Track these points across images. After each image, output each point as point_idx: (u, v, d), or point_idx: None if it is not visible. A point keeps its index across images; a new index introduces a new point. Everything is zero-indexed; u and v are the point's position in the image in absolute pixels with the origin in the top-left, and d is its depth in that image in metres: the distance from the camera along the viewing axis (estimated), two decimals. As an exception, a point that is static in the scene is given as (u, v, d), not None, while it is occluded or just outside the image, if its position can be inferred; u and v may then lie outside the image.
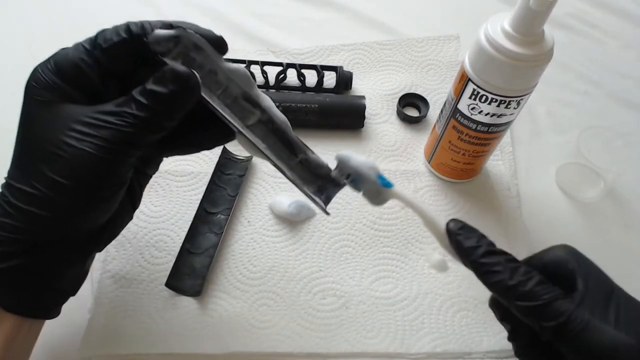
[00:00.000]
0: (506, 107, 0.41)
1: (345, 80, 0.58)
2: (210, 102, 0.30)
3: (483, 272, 0.28)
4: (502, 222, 0.50)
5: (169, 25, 0.30)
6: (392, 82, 0.60)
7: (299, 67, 0.57)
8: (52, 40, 0.62)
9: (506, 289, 0.27)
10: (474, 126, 0.44)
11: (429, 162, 0.52)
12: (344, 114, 0.55)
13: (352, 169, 0.32)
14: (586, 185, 0.53)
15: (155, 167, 0.37)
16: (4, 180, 0.30)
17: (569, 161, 0.54)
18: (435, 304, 0.44)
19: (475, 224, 0.46)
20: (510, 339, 0.31)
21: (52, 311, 0.32)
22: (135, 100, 0.28)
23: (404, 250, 0.47)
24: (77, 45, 0.30)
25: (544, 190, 0.53)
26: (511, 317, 0.29)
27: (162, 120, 0.29)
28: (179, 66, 0.28)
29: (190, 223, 0.46)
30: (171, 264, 0.44)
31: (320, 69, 0.57)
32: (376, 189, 0.32)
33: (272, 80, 0.57)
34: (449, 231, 0.30)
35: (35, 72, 0.29)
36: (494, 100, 0.41)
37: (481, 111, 0.43)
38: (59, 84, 0.29)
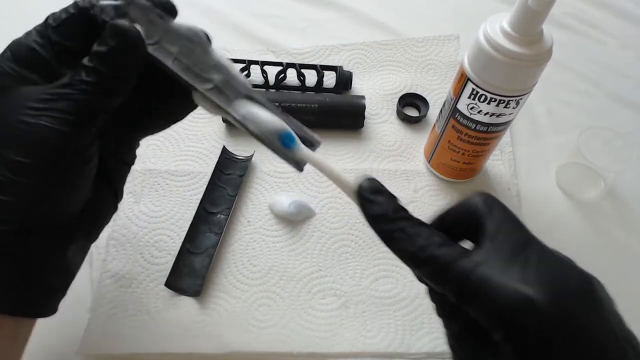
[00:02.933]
0: (505, 107, 0.41)
1: (345, 80, 0.58)
2: (166, 64, 0.29)
3: (387, 240, 0.26)
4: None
5: None
6: (392, 82, 0.60)
7: (298, 67, 0.57)
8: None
9: (409, 256, 0.25)
10: (473, 126, 0.44)
11: (428, 162, 0.52)
12: (343, 113, 0.55)
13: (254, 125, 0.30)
14: (586, 185, 0.53)
15: (131, 154, 0.36)
16: None
17: (569, 161, 0.54)
18: (435, 304, 0.44)
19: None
20: (444, 326, 0.29)
21: (38, 309, 0.31)
22: (83, 67, 0.28)
23: (404, 250, 0.47)
24: (29, 31, 0.30)
25: (544, 190, 0.53)
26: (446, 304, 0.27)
27: (113, 82, 0.28)
28: (118, 21, 0.28)
29: (190, 223, 0.46)
30: (171, 264, 0.44)
31: (320, 69, 0.57)
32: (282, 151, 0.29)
33: (272, 80, 0.57)
34: (358, 194, 0.27)
35: None
36: (493, 99, 0.41)
37: (480, 111, 0.43)
38: (15, 68, 0.28)
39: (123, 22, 0.28)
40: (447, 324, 0.28)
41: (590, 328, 0.22)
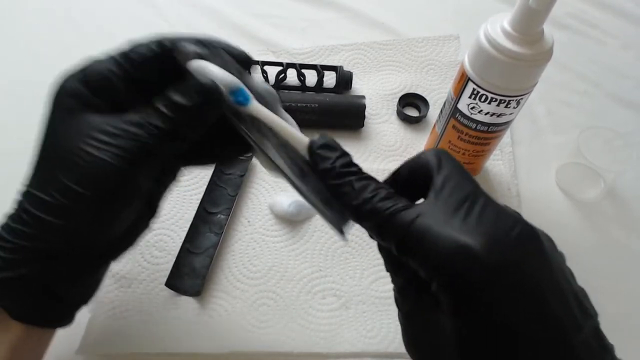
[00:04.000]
0: (506, 107, 0.41)
1: (345, 80, 0.58)
2: (232, 118, 0.29)
3: (335, 195, 0.26)
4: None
5: (199, 41, 0.30)
6: (392, 82, 0.60)
7: (299, 67, 0.57)
8: (53, 40, 0.62)
9: (353, 209, 0.25)
10: (474, 126, 0.44)
11: (429, 162, 0.52)
12: (344, 113, 0.55)
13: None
14: (586, 185, 0.53)
15: (173, 178, 0.36)
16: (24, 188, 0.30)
17: (569, 161, 0.54)
18: (435, 304, 0.44)
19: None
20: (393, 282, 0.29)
21: (63, 320, 0.32)
22: (157, 111, 0.28)
23: (404, 250, 0.47)
24: (109, 57, 0.30)
25: (544, 190, 0.53)
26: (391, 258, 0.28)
27: (183, 132, 0.29)
28: (203, 78, 0.28)
29: (190, 223, 0.46)
30: (171, 264, 0.44)
31: (320, 69, 0.57)
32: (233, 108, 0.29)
33: (272, 80, 0.57)
34: (310, 150, 0.28)
35: (62, 79, 0.29)
36: (493, 99, 0.41)
37: (481, 110, 0.43)
38: (85, 93, 0.29)
39: (208, 80, 0.28)
40: (393, 279, 0.28)
41: (530, 278, 0.21)
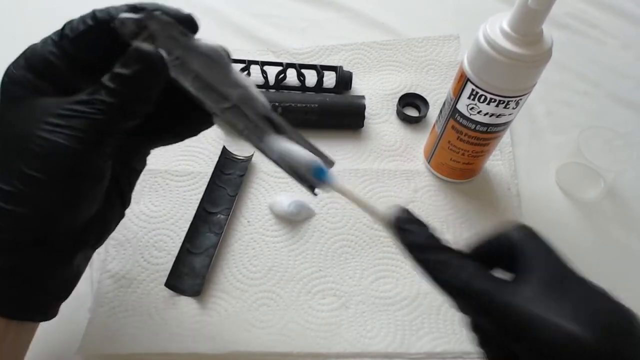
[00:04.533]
0: (505, 107, 0.41)
1: (345, 80, 0.58)
2: (184, 85, 0.29)
3: (429, 271, 0.26)
4: (502, 222, 0.49)
5: (135, 8, 0.29)
6: (392, 82, 0.60)
7: (298, 67, 0.57)
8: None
9: (454, 290, 0.25)
10: (473, 126, 0.44)
11: (428, 162, 0.52)
12: (343, 113, 0.55)
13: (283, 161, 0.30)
14: (586, 185, 0.53)
15: (142, 162, 0.36)
16: None
17: (569, 161, 0.54)
18: (435, 304, 0.44)
19: (475, 224, 0.46)
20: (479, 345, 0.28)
21: (44, 314, 0.31)
22: (104, 86, 0.27)
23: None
24: (46, 39, 0.29)
25: (544, 190, 0.53)
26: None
27: (132, 104, 0.28)
28: (142, 45, 0.28)
29: (190, 223, 0.46)
30: (171, 264, 0.44)
31: (320, 69, 0.57)
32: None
33: (272, 80, 0.57)
34: (394, 224, 0.27)
35: (7, 69, 0.29)
36: (492, 100, 0.41)
37: (480, 111, 0.43)
38: (30, 78, 0.28)
39: (147, 46, 0.28)
40: (489, 354, 0.27)
41: None
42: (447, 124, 0.47)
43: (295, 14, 0.68)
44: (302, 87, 0.57)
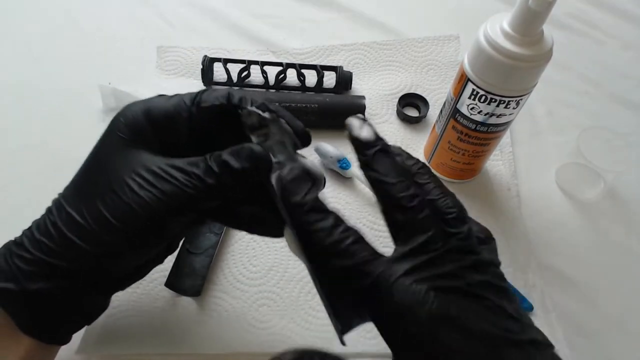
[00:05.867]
0: (505, 107, 0.41)
1: (345, 80, 0.58)
2: (273, 189, 0.29)
3: (303, 231, 0.26)
4: (502, 222, 0.50)
5: (266, 107, 0.30)
6: (392, 82, 0.60)
7: (298, 67, 0.57)
8: (52, 40, 0.62)
9: (323, 248, 0.25)
10: (474, 126, 0.44)
11: (428, 162, 0.52)
12: (344, 113, 0.54)
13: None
14: (586, 185, 0.53)
15: (200, 224, 0.37)
16: (55, 196, 0.30)
17: (569, 161, 0.54)
18: (435, 304, 0.44)
19: (474, 224, 0.44)
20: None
21: (67, 338, 0.32)
22: (206, 165, 0.28)
23: (404, 250, 0.47)
24: (178, 98, 0.31)
25: (544, 190, 0.53)
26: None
27: (224, 192, 0.29)
28: (256, 146, 0.29)
29: (190, 223, 0.46)
30: (171, 264, 0.44)
31: (320, 69, 0.57)
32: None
33: (272, 80, 0.57)
34: (279, 183, 0.27)
35: (126, 107, 0.30)
36: (493, 100, 0.41)
37: (480, 111, 0.43)
38: (145, 126, 0.29)
39: (261, 149, 0.29)
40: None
41: None
42: (447, 124, 0.47)
43: (295, 14, 0.68)
44: (302, 87, 0.57)
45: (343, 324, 0.27)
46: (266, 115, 0.30)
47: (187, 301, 0.43)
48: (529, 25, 0.37)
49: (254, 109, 0.30)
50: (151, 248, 0.30)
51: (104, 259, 0.28)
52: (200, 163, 0.28)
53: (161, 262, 0.35)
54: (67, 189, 0.30)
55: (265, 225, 0.33)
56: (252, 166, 0.28)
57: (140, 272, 0.34)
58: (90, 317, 0.33)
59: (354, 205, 0.50)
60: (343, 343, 0.27)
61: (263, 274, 0.45)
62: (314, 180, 0.30)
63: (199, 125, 0.31)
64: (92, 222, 0.27)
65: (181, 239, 0.36)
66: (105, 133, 0.30)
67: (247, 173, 0.28)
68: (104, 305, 0.33)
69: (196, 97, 0.31)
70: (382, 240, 0.47)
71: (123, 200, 0.27)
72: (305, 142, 0.32)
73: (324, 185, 0.31)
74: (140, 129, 0.29)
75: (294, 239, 0.28)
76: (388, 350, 0.41)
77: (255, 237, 0.47)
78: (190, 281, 0.43)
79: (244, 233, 0.47)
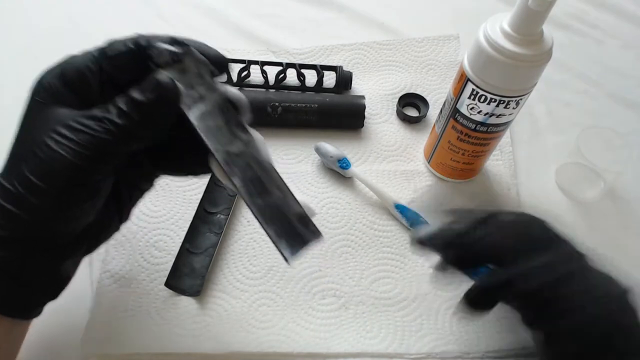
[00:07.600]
0: (505, 107, 0.41)
1: (345, 80, 0.58)
2: (192, 122, 0.30)
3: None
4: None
5: (175, 41, 0.30)
6: (392, 82, 0.60)
7: (298, 67, 0.57)
8: (53, 40, 0.62)
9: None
10: (473, 126, 0.44)
11: (428, 162, 0.52)
12: (343, 113, 0.55)
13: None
14: (586, 185, 0.53)
15: (148, 183, 0.36)
16: None
17: (569, 161, 0.54)
18: (434, 305, 0.44)
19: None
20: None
21: (27, 312, 0.32)
22: (116, 107, 0.28)
23: (404, 251, 0.47)
24: (86, 52, 0.30)
25: (543, 190, 0.53)
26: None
27: (139, 130, 0.29)
28: (161, 75, 0.28)
29: (190, 223, 0.46)
30: (171, 264, 0.44)
31: (320, 69, 0.57)
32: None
33: (271, 80, 0.57)
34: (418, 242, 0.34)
35: (41, 73, 0.30)
36: (493, 100, 0.41)
37: (480, 111, 0.43)
38: (59, 86, 0.29)
39: (165, 77, 0.28)
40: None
41: None
42: (447, 123, 0.47)
43: (295, 14, 0.68)
44: (302, 87, 0.57)
45: (291, 245, 0.31)
46: (177, 49, 0.30)
47: (187, 301, 0.43)
48: (529, 25, 0.37)
49: (164, 45, 0.29)
50: (82, 204, 0.29)
51: (38, 221, 0.28)
52: (110, 107, 0.28)
53: (117, 228, 0.34)
54: (4, 166, 0.30)
55: (196, 163, 0.33)
56: (158, 97, 0.28)
57: (95, 236, 0.33)
58: (53, 288, 0.32)
59: (354, 205, 0.50)
60: (289, 263, 0.31)
61: (263, 274, 0.45)
62: (237, 108, 0.30)
63: (112, 77, 0.30)
64: (19, 187, 0.27)
65: (133, 203, 0.35)
66: (27, 102, 0.30)
67: (155, 104, 0.28)
68: (63, 275, 0.32)
69: (104, 48, 0.30)
70: (382, 241, 0.47)
71: (42, 159, 0.27)
72: (222, 68, 0.31)
73: (250, 111, 0.31)
74: (56, 91, 0.29)
75: (219, 166, 0.30)
76: (388, 350, 0.42)
77: (255, 237, 0.47)
78: (190, 281, 0.43)
79: (244, 233, 0.47)
